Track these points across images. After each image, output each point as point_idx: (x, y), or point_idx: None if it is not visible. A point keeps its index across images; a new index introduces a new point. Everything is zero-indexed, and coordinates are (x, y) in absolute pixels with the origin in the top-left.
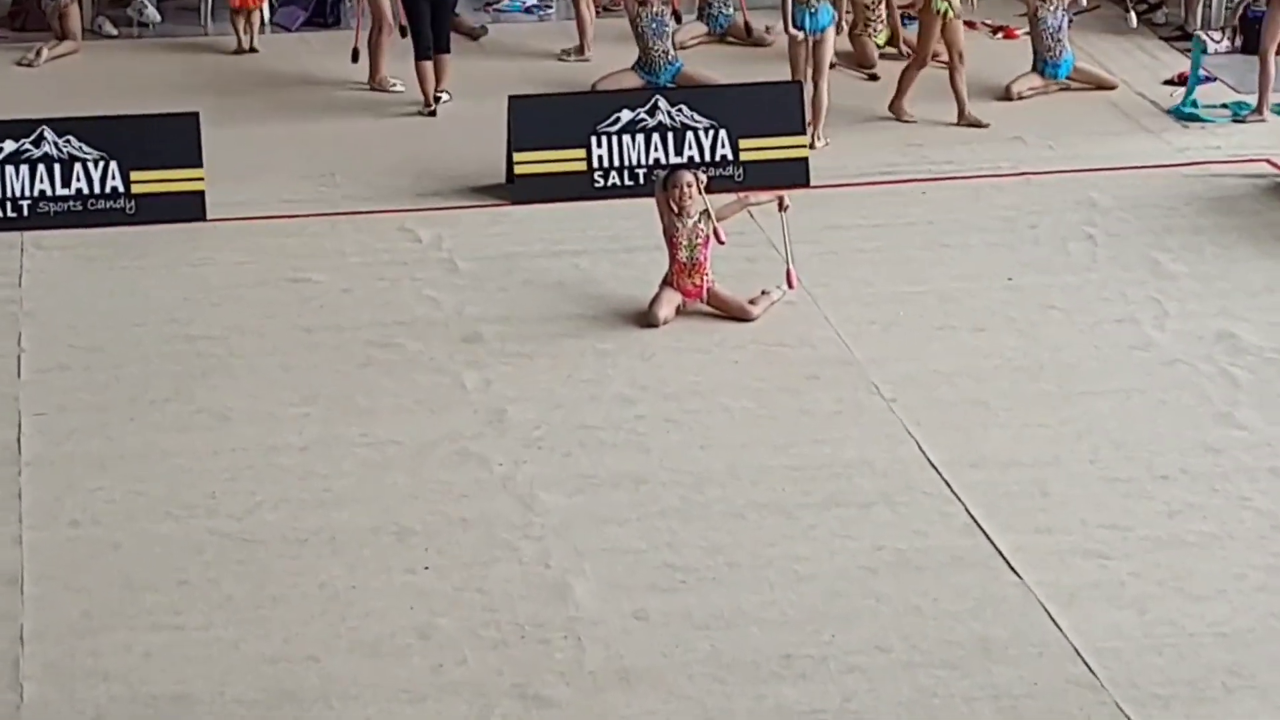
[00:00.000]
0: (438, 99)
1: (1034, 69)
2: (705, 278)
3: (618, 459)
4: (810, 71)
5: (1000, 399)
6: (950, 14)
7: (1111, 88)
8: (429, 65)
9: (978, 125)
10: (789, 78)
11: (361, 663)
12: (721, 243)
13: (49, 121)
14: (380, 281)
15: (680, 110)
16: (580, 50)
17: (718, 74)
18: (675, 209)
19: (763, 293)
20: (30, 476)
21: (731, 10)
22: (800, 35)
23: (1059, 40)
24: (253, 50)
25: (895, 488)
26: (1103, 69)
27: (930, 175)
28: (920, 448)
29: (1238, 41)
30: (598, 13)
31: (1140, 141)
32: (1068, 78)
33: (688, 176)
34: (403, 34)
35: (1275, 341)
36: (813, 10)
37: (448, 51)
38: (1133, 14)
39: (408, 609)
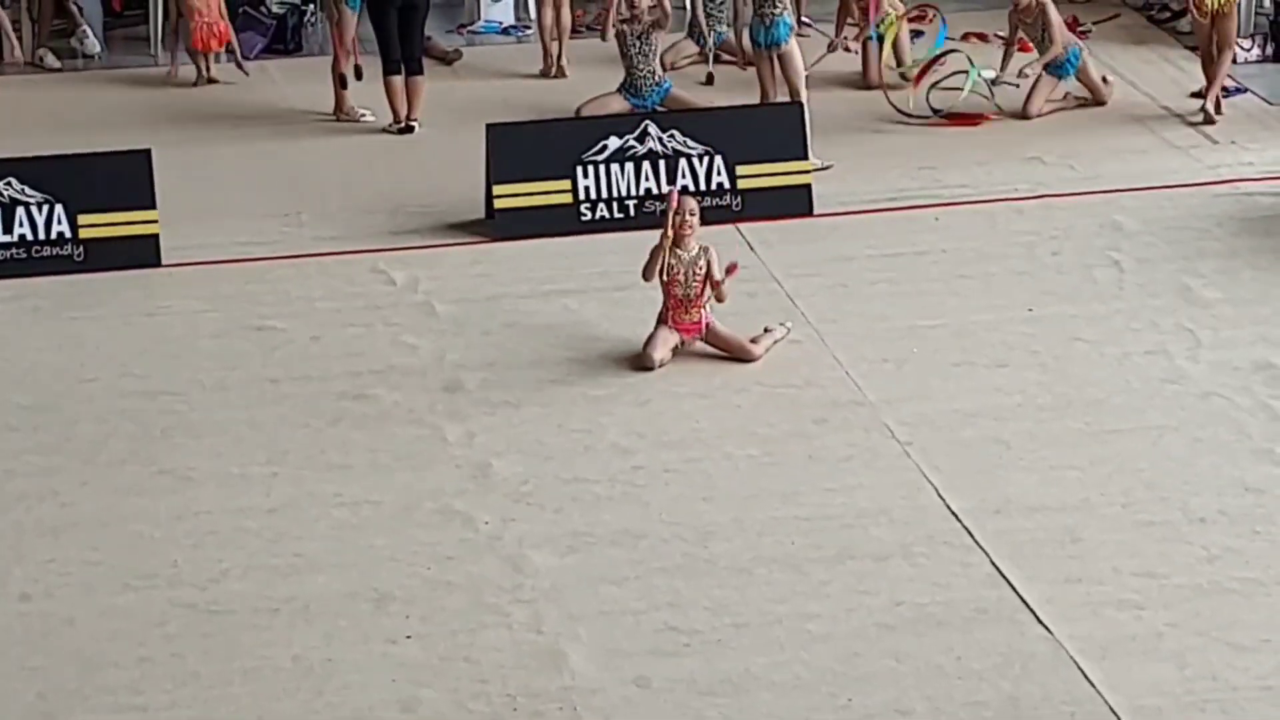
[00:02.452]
0: (409, 128)
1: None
2: (703, 311)
3: (614, 514)
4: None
5: (1024, 439)
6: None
7: (1100, 103)
8: (399, 80)
9: (1208, 121)
10: (778, 99)
11: None
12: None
13: None
14: (352, 328)
15: (672, 136)
16: (547, 69)
17: (710, 95)
18: (673, 236)
19: (765, 330)
20: None
21: (724, 28)
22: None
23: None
24: (212, 80)
25: (913, 538)
26: (1108, 77)
27: (943, 200)
28: (939, 494)
29: (1269, 49)
30: (574, 31)
31: (1168, 159)
32: (1075, 75)
33: (691, 203)
34: (341, 82)
35: None
36: (767, 23)
37: (420, 73)
38: None
39: (389, 681)
